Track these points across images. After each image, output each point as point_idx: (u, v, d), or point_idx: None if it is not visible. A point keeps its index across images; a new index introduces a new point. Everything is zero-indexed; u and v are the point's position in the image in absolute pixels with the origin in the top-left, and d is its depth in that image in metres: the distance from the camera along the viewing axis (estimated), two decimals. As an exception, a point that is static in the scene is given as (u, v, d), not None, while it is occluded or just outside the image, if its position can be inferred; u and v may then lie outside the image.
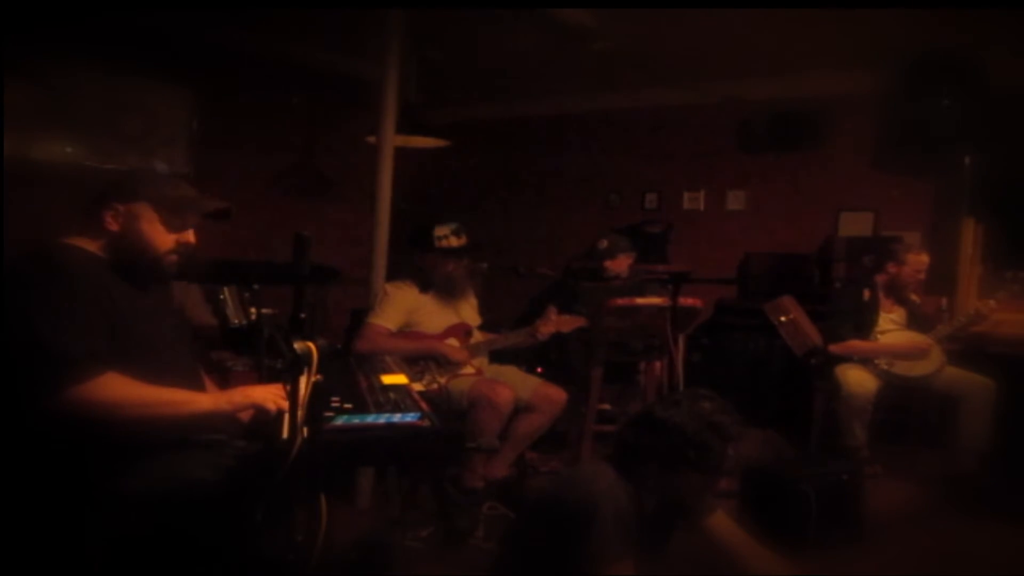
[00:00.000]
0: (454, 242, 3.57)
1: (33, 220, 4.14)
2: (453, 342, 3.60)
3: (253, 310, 3.54)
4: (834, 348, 4.08)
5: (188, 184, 2.13)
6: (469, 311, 3.73)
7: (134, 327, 1.93)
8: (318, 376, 1.67)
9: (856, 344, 4.03)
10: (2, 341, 1.79)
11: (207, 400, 1.95)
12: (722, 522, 2.16)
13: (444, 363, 3.50)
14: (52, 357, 1.76)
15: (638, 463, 1.99)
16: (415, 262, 3.62)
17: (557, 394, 3.55)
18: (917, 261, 4.09)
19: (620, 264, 4.34)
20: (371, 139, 3.68)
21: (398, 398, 2.11)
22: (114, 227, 1.98)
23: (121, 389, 1.82)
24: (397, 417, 1.94)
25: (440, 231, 3.55)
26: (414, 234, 3.69)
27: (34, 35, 4.08)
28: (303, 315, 1.77)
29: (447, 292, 3.61)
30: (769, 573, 2.13)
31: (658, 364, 4.02)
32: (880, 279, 4.15)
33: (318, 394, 1.68)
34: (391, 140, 3.58)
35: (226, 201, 2.11)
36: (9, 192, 3.99)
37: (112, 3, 4.16)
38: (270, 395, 1.89)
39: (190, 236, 2.05)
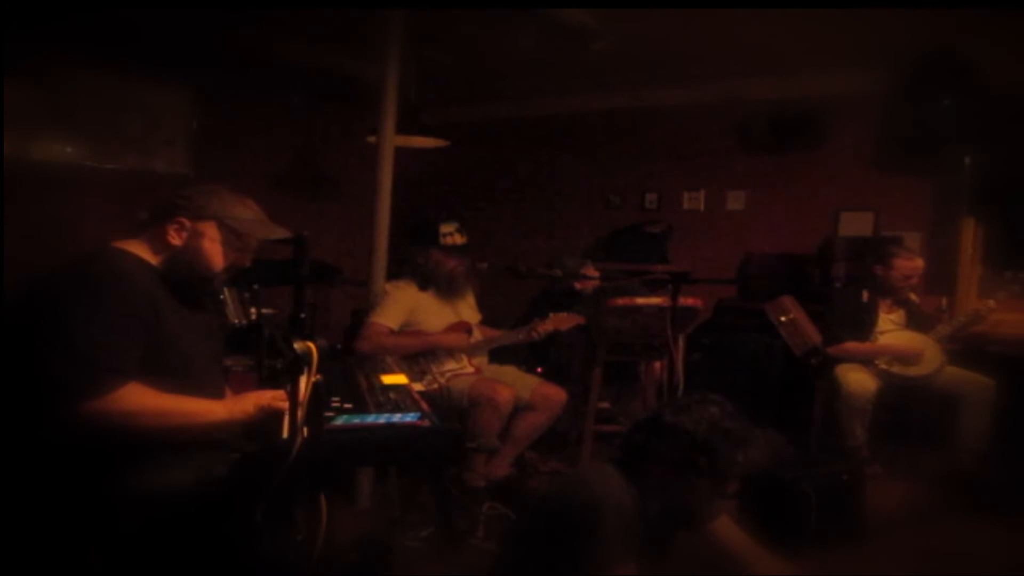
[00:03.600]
0: (458, 240, 3.59)
1: (33, 220, 4.16)
2: (453, 340, 3.61)
3: (253, 310, 3.54)
4: (831, 350, 4.08)
5: (255, 205, 2.11)
6: (468, 310, 3.74)
7: (174, 341, 1.93)
8: (318, 376, 1.67)
9: (852, 346, 4.03)
10: (35, 338, 1.79)
11: (222, 410, 1.94)
12: (725, 526, 2.15)
13: (445, 353, 3.50)
14: (80, 365, 1.76)
15: (644, 466, 1.99)
16: (416, 259, 3.62)
17: (557, 393, 3.55)
18: (906, 266, 4.05)
19: (587, 278, 4.33)
20: (371, 139, 3.68)
21: (398, 398, 2.11)
22: (176, 241, 1.98)
23: (140, 399, 1.82)
24: (397, 417, 1.94)
25: (445, 228, 3.57)
26: (416, 231, 3.70)
27: (34, 35, 4.08)
28: (303, 315, 1.76)
29: (447, 290, 3.62)
30: (772, 576, 2.13)
31: (658, 364, 4.03)
32: (872, 281, 4.15)
33: (318, 394, 1.68)
34: (391, 140, 3.57)
35: (290, 230, 2.08)
36: (9, 192, 3.99)
37: (111, 2, 4.16)
38: (279, 398, 1.89)
39: (246, 259, 2.05)
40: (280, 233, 2.08)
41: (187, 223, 1.98)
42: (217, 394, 2.08)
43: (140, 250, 1.99)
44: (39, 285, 1.87)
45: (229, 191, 2.09)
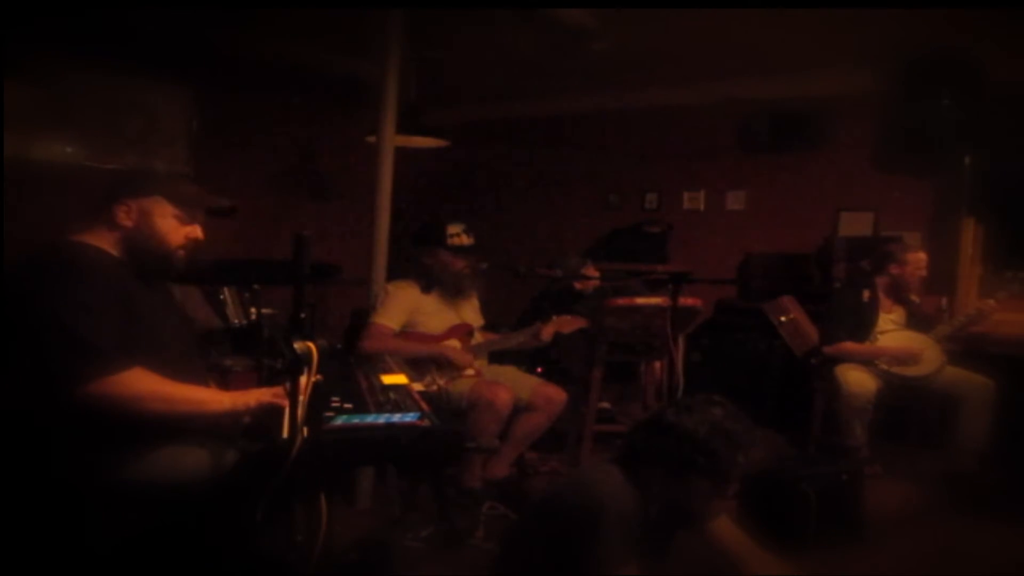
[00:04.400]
0: (465, 240, 3.59)
1: (33, 220, 4.15)
2: (455, 343, 3.60)
3: (253, 310, 3.54)
4: (828, 350, 4.08)
5: (190, 182, 2.17)
6: (471, 312, 3.73)
7: (147, 323, 1.95)
8: (318, 376, 1.67)
9: (850, 346, 4.04)
10: (23, 332, 1.80)
11: (228, 400, 1.96)
12: (724, 526, 2.16)
13: (448, 366, 3.49)
14: (82, 347, 1.77)
15: (645, 467, 1.99)
16: (422, 260, 3.62)
17: (557, 394, 3.55)
18: (917, 259, 4.10)
19: (588, 278, 4.33)
20: (371, 139, 3.68)
21: (398, 398, 2.11)
22: (127, 223, 2.00)
23: (147, 384, 1.84)
24: (397, 417, 1.94)
25: (452, 229, 3.58)
26: (423, 232, 3.70)
27: (34, 35, 4.08)
28: (303, 315, 1.76)
29: (452, 291, 3.62)
30: (770, 576, 2.13)
31: (658, 364, 4.03)
32: (881, 281, 4.15)
33: (318, 394, 1.68)
34: (391, 140, 3.57)
35: (230, 200, 2.14)
36: (9, 192, 3.99)
37: (112, 2, 4.16)
38: (279, 395, 1.89)
39: (198, 231, 2.08)
40: (221, 202, 2.13)
41: (132, 203, 2.00)
42: (198, 376, 2.08)
43: (93, 239, 2.00)
44: (8, 282, 1.88)
45: (162, 169, 2.14)
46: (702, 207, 5.82)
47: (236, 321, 3.46)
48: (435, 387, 3.40)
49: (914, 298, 4.23)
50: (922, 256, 4.12)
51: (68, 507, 1.82)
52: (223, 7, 4.27)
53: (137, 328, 1.90)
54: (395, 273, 3.66)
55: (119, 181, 2.04)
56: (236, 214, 2.14)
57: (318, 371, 1.67)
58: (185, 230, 2.05)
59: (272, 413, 1.89)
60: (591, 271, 4.37)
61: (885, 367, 3.97)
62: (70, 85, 4.68)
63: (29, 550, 1.80)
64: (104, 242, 1.99)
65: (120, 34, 4.47)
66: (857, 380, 3.91)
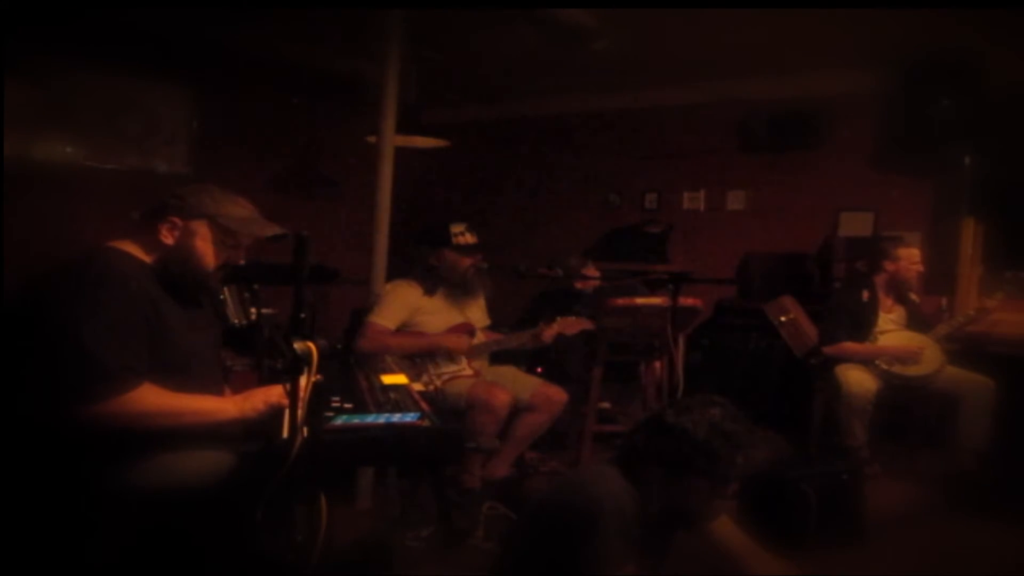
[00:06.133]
0: (470, 239, 3.59)
1: (33, 220, 4.15)
2: (454, 341, 3.60)
3: (253, 310, 3.54)
4: (828, 350, 4.08)
5: (248, 203, 2.11)
6: (477, 311, 3.73)
7: (173, 339, 1.95)
8: (318, 376, 1.67)
9: (849, 346, 4.04)
10: (42, 340, 1.80)
11: (233, 408, 1.95)
12: (724, 526, 2.15)
13: (444, 356, 3.49)
14: (93, 367, 1.77)
15: (645, 467, 1.99)
16: (427, 261, 3.61)
17: (557, 394, 3.55)
18: (910, 254, 4.10)
19: (588, 278, 4.33)
20: (371, 139, 3.68)
21: (398, 398, 2.11)
22: (169, 241, 1.99)
23: (154, 400, 1.84)
24: (397, 417, 1.94)
25: (456, 228, 3.59)
26: (427, 232, 3.70)
27: (34, 35, 4.08)
28: (303, 315, 1.76)
29: (459, 291, 3.62)
30: (770, 576, 2.13)
31: (658, 364, 4.03)
32: (879, 279, 4.15)
33: (318, 394, 1.68)
34: (391, 140, 3.57)
35: (281, 227, 2.09)
36: (9, 192, 3.99)
37: (112, 2, 4.16)
38: (284, 396, 1.89)
39: (240, 257, 2.07)
40: (273, 230, 2.09)
41: (179, 222, 1.99)
42: (217, 391, 2.08)
43: (134, 250, 1.99)
44: (36, 287, 1.88)
45: (221, 189, 2.09)
46: (702, 207, 5.82)
47: (236, 321, 3.46)
48: (432, 387, 3.41)
49: (914, 297, 4.23)
50: (915, 251, 4.12)
51: (72, 513, 1.82)
52: (223, 7, 4.27)
53: (162, 342, 1.90)
54: (395, 273, 3.66)
55: (171, 196, 2.01)
56: (286, 239, 2.05)
57: (318, 371, 1.67)
58: (226, 254, 2.04)
59: (275, 413, 1.89)
60: (591, 271, 4.37)
61: (885, 367, 3.97)
62: (70, 85, 4.68)
63: (34, 557, 1.80)
64: (141, 252, 1.99)
65: (120, 34, 4.47)
66: (857, 380, 3.91)
